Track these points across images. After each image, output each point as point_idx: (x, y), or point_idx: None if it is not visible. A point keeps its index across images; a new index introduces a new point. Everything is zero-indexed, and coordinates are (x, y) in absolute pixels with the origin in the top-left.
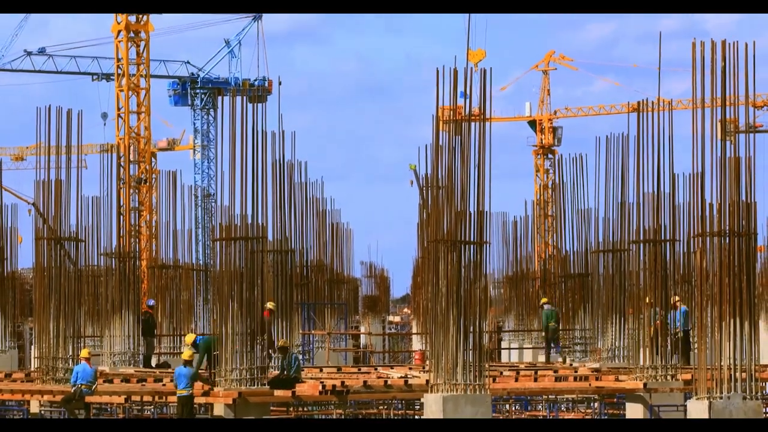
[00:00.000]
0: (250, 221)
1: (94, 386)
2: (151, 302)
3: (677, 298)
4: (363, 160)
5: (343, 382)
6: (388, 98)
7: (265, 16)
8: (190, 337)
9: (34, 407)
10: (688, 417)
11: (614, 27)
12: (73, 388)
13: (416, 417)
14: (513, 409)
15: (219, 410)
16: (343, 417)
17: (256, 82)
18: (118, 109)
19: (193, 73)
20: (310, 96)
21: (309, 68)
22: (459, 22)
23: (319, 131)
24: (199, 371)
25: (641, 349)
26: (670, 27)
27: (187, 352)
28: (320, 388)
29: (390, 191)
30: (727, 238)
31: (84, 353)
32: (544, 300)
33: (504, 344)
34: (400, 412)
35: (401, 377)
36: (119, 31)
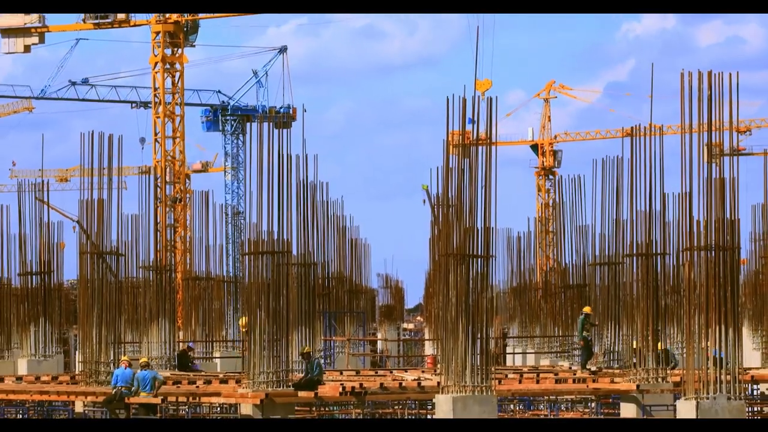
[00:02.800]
0: (276, 237)
1: (133, 388)
2: (192, 344)
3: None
4: (382, 180)
5: (361, 384)
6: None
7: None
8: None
9: (79, 407)
10: (677, 416)
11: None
12: (114, 390)
13: (428, 416)
14: (517, 408)
15: (247, 410)
16: (361, 416)
17: (281, 110)
18: (155, 134)
19: (223, 102)
20: (338, 122)
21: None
22: (468, 54)
23: (344, 154)
24: None
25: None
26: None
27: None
28: (340, 389)
29: (404, 209)
30: (713, 252)
31: (126, 358)
32: None
33: (509, 349)
34: (413, 411)
35: (415, 380)
36: (156, 63)
